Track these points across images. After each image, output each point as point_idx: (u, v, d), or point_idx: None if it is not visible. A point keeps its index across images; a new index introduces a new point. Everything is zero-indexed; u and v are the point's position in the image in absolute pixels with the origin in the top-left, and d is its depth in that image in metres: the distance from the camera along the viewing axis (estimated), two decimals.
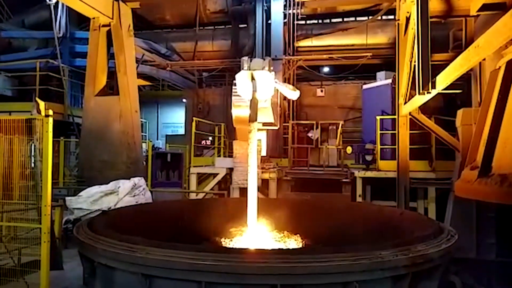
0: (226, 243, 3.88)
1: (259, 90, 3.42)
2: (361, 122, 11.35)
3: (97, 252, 2.69)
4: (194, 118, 10.04)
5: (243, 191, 5.27)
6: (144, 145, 10.83)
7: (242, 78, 3.40)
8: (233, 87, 3.58)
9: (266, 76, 3.37)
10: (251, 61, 3.39)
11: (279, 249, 3.47)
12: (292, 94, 3.90)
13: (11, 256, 4.50)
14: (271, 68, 3.43)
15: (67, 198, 6.41)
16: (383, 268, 2.40)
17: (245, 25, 13.43)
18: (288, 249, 3.61)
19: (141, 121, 11.14)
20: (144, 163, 9.75)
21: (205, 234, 4.08)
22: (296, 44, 12.85)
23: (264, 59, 3.38)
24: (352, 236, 4.08)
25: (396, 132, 7.33)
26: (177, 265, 2.36)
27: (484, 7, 5.14)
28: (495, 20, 3.55)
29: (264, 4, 12.64)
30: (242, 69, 3.38)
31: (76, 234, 3.03)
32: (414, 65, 5.37)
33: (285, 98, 12.34)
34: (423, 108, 6.83)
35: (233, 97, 3.59)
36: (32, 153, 4.68)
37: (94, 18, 8.59)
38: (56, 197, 6.62)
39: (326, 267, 2.32)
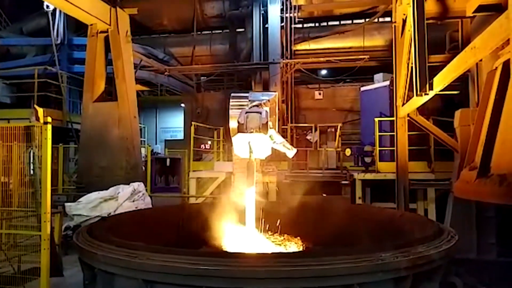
0: (227, 247, 3.88)
1: (256, 151, 3.53)
2: (360, 124, 11.37)
3: (97, 258, 2.68)
4: (193, 123, 10.05)
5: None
6: (143, 150, 10.83)
7: (239, 140, 3.50)
8: (231, 100, 3.66)
9: (262, 138, 3.46)
10: (246, 116, 3.42)
11: (280, 252, 3.46)
12: (289, 152, 4.06)
13: (11, 263, 4.49)
14: (269, 120, 3.49)
15: (66, 204, 6.40)
16: (384, 270, 2.39)
17: (243, 29, 13.48)
18: (289, 252, 3.60)
19: (140, 126, 11.15)
20: (143, 168, 9.74)
21: (205, 238, 4.08)
22: (293, 48, 12.90)
23: (261, 113, 3.43)
24: (352, 238, 4.08)
25: (395, 133, 7.35)
26: (178, 270, 2.35)
27: (480, 8, 5.16)
28: (491, 21, 3.57)
29: (261, 8, 12.72)
30: (238, 124, 3.43)
31: (76, 240, 3.02)
32: (411, 67, 5.39)
33: (283, 101, 12.49)
34: (421, 109, 6.85)
35: (230, 111, 3.65)
36: (31, 160, 4.67)
37: (91, 24, 8.61)
38: (55, 203, 6.61)
39: (327, 270, 2.32)
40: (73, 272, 4.74)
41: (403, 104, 6.89)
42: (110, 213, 5.83)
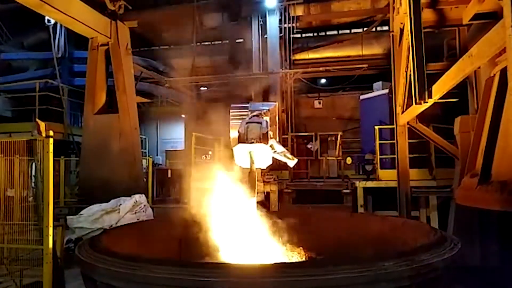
0: (229, 258, 3.86)
1: (256, 161, 3.56)
2: (360, 132, 11.39)
3: (99, 271, 2.68)
4: (193, 133, 10.06)
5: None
6: (144, 161, 10.83)
7: (239, 150, 3.52)
8: (231, 110, 3.70)
9: (263, 148, 3.50)
10: (247, 126, 3.46)
11: (282, 263, 3.45)
12: (290, 162, 4.11)
13: (12, 278, 4.46)
14: (269, 130, 3.52)
15: (68, 217, 6.39)
16: (387, 280, 2.39)
17: (242, 40, 13.59)
18: (292, 263, 3.59)
19: (141, 138, 11.17)
20: (145, 179, 9.73)
21: (207, 249, 4.06)
22: (292, 58, 12.99)
23: (261, 123, 3.47)
24: (355, 247, 4.06)
25: (395, 141, 7.36)
26: (182, 282, 2.35)
27: (476, 17, 5.22)
28: (488, 29, 3.61)
29: (260, 19, 12.84)
30: (239, 134, 3.46)
31: (78, 253, 3.01)
32: (410, 75, 5.43)
33: (283, 110, 12.53)
34: (421, 117, 6.88)
35: (231, 122, 3.69)
36: (33, 174, 4.68)
37: (92, 38, 8.69)
38: (57, 216, 6.60)
39: (330, 280, 2.32)
40: (75, 285, 4.71)
41: (403, 112, 6.92)
42: (112, 226, 5.82)
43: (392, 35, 7.33)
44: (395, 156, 7.38)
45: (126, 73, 8.79)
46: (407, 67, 6.38)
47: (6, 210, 4.48)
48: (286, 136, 10.93)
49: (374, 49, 12.64)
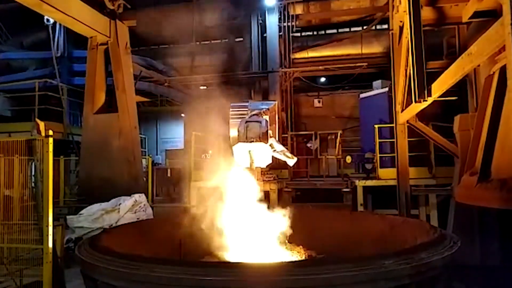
0: (230, 257, 3.87)
1: (256, 160, 3.57)
2: (360, 131, 11.39)
3: (100, 270, 2.68)
4: (193, 133, 10.06)
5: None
6: (144, 161, 10.84)
7: (239, 149, 3.53)
8: (231, 109, 3.72)
9: (263, 147, 3.51)
10: (246, 125, 3.46)
11: (283, 262, 3.46)
12: (290, 160, 4.13)
13: (12, 277, 4.47)
14: (269, 129, 3.53)
15: (68, 217, 6.39)
16: (387, 278, 2.39)
17: (241, 39, 13.58)
18: (292, 261, 3.60)
19: (141, 137, 11.16)
20: (145, 179, 9.74)
21: (207, 248, 4.07)
22: (292, 56, 12.98)
23: (261, 122, 3.47)
24: (355, 246, 4.07)
25: (395, 140, 7.36)
26: (182, 281, 2.35)
27: (475, 15, 5.22)
28: (487, 27, 3.61)
29: (259, 18, 12.83)
30: (238, 133, 3.46)
31: (78, 253, 3.02)
32: (410, 74, 5.43)
33: (283, 109, 12.52)
34: (421, 115, 6.88)
35: (230, 120, 3.71)
36: (33, 173, 4.69)
37: (91, 37, 8.69)
38: (57, 216, 6.60)
39: (330, 279, 2.32)
40: (75, 285, 4.71)
41: (402, 110, 6.92)
42: (111, 225, 5.82)
43: (392, 33, 7.33)
44: (395, 154, 7.38)
45: (125, 72, 8.80)
46: (407, 66, 6.38)
47: (6, 209, 4.49)
48: (285, 135, 10.92)
49: (374, 48, 12.63)
